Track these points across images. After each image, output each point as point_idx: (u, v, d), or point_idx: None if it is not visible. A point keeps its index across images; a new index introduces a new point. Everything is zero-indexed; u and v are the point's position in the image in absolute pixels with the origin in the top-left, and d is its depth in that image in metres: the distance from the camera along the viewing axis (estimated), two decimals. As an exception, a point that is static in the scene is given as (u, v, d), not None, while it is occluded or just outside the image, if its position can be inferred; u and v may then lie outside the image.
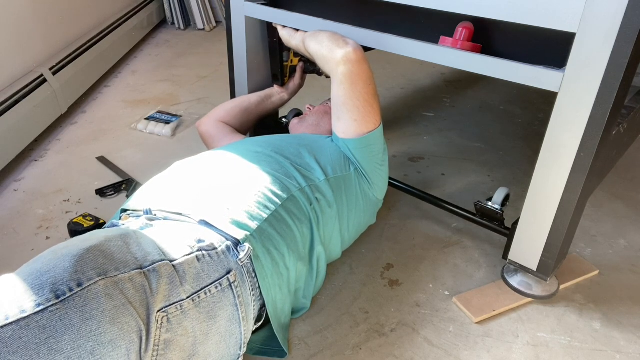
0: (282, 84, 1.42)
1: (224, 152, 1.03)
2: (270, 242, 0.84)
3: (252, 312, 0.80)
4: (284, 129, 1.48)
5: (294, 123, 1.31)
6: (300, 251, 0.91)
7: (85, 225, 1.15)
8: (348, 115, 1.04)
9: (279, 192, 0.91)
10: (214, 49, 2.80)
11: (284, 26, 1.26)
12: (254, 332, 0.88)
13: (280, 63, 1.39)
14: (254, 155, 1.00)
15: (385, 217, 1.33)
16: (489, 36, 1.00)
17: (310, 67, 1.44)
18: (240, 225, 0.82)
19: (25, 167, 1.53)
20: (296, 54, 1.40)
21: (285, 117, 1.52)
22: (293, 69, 1.43)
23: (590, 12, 0.79)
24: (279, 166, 0.97)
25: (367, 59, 1.05)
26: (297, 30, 1.22)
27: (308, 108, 1.37)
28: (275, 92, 1.42)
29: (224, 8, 1.99)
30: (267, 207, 0.88)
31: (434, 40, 1.04)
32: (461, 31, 1.00)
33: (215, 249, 0.76)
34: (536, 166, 0.95)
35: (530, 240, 1.02)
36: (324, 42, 1.07)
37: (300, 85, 1.45)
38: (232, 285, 0.75)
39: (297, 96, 1.52)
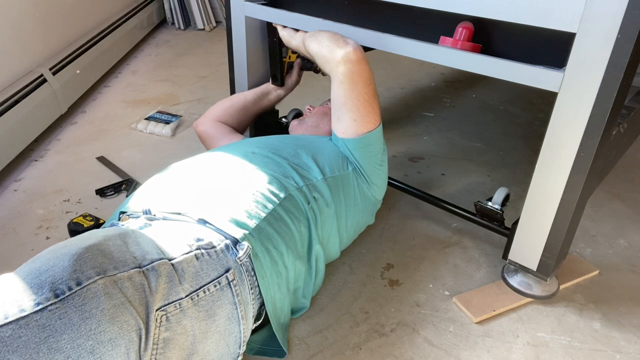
0: (282, 85, 1.42)
1: (221, 153, 1.03)
2: (268, 241, 0.84)
3: (251, 311, 0.80)
4: (284, 129, 1.48)
5: (294, 125, 1.31)
6: (298, 250, 0.91)
7: (85, 225, 1.15)
8: (348, 115, 1.04)
9: (277, 192, 0.91)
10: (214, 49, 2.80)
11: (284, 26, 1.26)
12: (253, 332, 0.88)
13: (280, 64, 1.39)
14: (251, 156, 1.00)
15: (385, 217, 1.33)
16: (489, 36, 1.00)
17: (308, 64, 1.44)
18: (239, 224, 0.82)
19: (25, 167, 1.53)
20: (294, 51, 1.40)
21: (285, 117, 1.52)
22: (290, 65, 1.43)
23: (590, 12, 0.79)
24: (277, 166, 0.98)
25: (367, 59, 1.05)
26: (297, 30, 1.22)
27: (308, 109, 1.37)
28: (272, 89, 1.42)
29: (224, 8, 1.99)
30: (265, 206, 0.88)
31: (434, 40, 1.04)
32: (461, 31, 1.00)
33: (214, 247, 0.76)
34: (536, 166, 0.95)
35: (530, 240, 1.02)
36: (324, 42, 1.07)
37: (297, 82, 1.45)
38: (231, 283, 0.75)
39: (297, 96, 1.52)
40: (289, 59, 1.41)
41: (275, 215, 0.88)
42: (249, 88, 1.47)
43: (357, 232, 1.16)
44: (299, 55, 1.42)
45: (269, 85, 1.43)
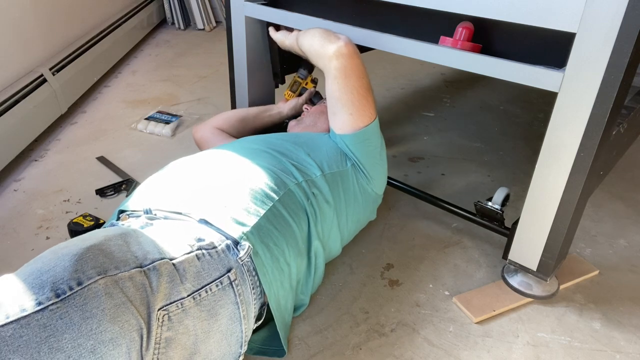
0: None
1: (220, 150, 1.03)
2: (269, 238, 0.85)
3: (253, 311, 0.80)
4: (282, 128, 1.48)
5: (292, 124, 1.32)
6: (299, 246, 0.92)
7: (85, 225, 1.15)
8: (343, 109, 1.05)
9: (276, 187, 0.92)
10: (214, 49, 2.80)
11: (278, 29, 1.27)
12: (254, 331, 0.88)
13: (279, 62, 1.39)
14: (250, 151, 1.00)
15: (385, 217, 1.33)
16: (489, 36, 1.00)
17: (315, 98, 1.44)
18: (239, 223, 0.82)
19: (25, 167, 1.53)
20: (313, 81, 1.42)
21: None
22: (304, 90, 1.43)
23: (590, 12, 0.79)
24: (276, 161, 0.98)
25: (359, 53, 1.05)
26: (292, 30, 1.23)
27: (306, 108, 1.37)
28: (275, 107, 1.43)
29: (224, 8, 1.99)
30: (264, 203, 0.88)
31: (434, 40, 1.04)
32: (461, 31, 1.00)
33: (215, 247, 0.76)
34: (536, 166, 0.95)
35: (530, 240, 1.02)
36: (316, 38, 1.08)
37: (302, 106, 1.45)
38: (233, 283, 0.75)
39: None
40: (306, 84, 1.41)
41: (274, 211, 0.88)
42: (249, 88, 1.48)
43: (359, 228, 1.16)
44: (315, 85, 1.43)
45: (273, 105, 1.43)
